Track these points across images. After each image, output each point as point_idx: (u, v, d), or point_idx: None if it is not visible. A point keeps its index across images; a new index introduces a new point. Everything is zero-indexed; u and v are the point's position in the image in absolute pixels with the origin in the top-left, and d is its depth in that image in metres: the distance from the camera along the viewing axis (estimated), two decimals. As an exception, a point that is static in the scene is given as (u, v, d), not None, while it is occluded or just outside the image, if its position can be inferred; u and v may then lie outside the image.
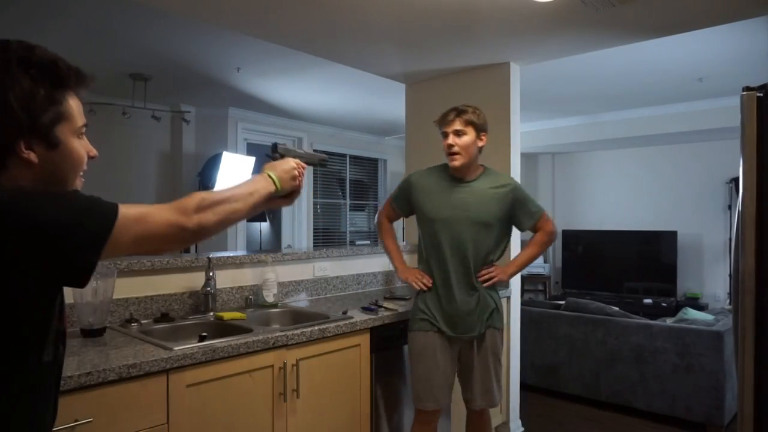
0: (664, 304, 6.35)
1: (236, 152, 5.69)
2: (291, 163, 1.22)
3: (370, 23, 2.61)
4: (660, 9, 2.41)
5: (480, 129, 2.20)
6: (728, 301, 6.18)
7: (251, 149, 6.02)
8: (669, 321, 3.72)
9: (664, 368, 3.47)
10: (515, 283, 3.25)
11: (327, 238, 7.13)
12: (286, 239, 6.75)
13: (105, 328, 1.93)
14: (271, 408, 1.92)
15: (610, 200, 7.35)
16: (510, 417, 3.23)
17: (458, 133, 2.17)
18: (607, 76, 4.63)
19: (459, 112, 2.19)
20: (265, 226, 7.48)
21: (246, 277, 2.59)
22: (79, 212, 0.82)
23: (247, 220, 6.57)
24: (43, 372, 0.89)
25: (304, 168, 1.25)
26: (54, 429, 1.36)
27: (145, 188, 5.54)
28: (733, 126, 4.58)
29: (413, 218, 2.42)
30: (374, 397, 2.34)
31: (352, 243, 7.33)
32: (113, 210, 0.85)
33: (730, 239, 5.96)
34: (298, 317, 2.41)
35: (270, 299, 2.54)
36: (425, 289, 2.25)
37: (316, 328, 2.07)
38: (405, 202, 2.39)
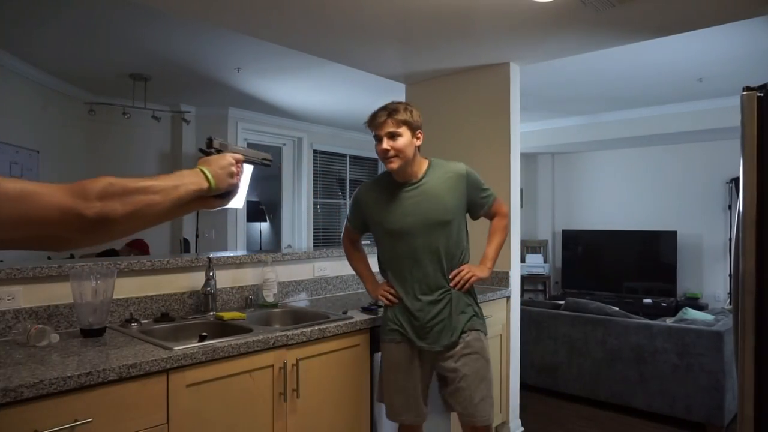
0: (663, 304, 6.35)
1: (236, 152, 5.67)
2: (228, 158, 1.09)
3: (370, 23, 2.61)
4: (660, 9, 2.41)
5: (415, 127, 2.02)
6: (728, 301, 6.18)
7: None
8: (669, 321, 3.71)
9: (663, 368, 3.47)
10: (515, 282, 3.25)
11: (327, 238, 7.13)
12: (286, 239, 6.75)
13: (105, 328, 1.93)
14: (271, 408, 1.92)
15: (610, 200, 7.35)
16: (510, 417, 3.23)
17: (392, 136, 1.98)
18: (607, 76, 4.64)
19: (390, 111, 1.99)
20: (265, 226, 7.49)
21: (246, 277, 2.59)
22: None
23: (247, 220, 6.57)
24: None
25: (242, 166, 1.13)
26: (54, 429, 1.37)
27: (145, 188, 5.54)
28: (733, 126, 4.59)
29: None
30: (374, 396, 2.34)
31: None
32: None
33: (730, 239, 5.97)
34: (298, 317, 2.41)
35: (270, 299, 2.54)
36: (395, 303, 2.11)
37: (316, 328, 2.07)
38: (359, 221, 2.23)
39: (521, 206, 3.75)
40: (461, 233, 2.12)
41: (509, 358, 3.20)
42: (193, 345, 1.74)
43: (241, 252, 2.83)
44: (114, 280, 1.97)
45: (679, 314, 3.94)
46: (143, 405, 1.57)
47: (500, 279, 3.19)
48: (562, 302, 4.15)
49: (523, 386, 3.56)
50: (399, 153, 1.98)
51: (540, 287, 7.62)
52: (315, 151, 6.99)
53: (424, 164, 2.10)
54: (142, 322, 2.14)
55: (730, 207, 6.38)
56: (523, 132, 6.01)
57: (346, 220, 2.34)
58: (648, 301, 6.51)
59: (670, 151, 6.85)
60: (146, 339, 1.84)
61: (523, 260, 7.09)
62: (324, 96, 5.42)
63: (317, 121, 6.64)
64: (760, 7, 2.40)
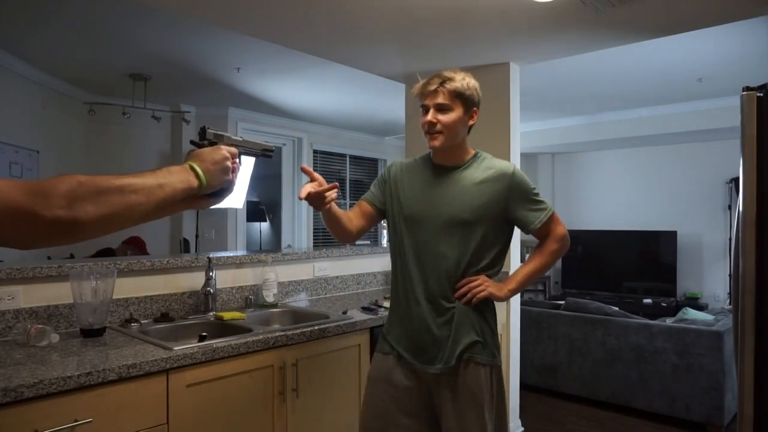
0: (663, 304, 6.35)
1: (236, 152, 5.68)
2: (223, 152, 0.98)
3: (370, 23, 2.61)
4: (660, 9, 2.41)
5: (471, 103, 1.72)
6: (728, 301, 6.18)
7: (251, 149, 6.02)
8: (669, 321, 3.71)
9: (663, 368, 3.47)
10: (515, 283, 3.24)
11: (327, 238, 7.13)
12: (286, 239, 6.75)
13: (105, 328, 1.93)
14: (270, 408, 1.92)
15: (610, 200, 7.35)
16: (510, 417, 3.23)
17: (441, 108, 1.68)
18: (607, 76, 4.64)
19: (444, 80, 1.68)
20: (265, 226, 7.49)
21: (246, 277, 2.59)
22: None
23: (247, 220, 6.57)
24: None
25: (239, 160, 1.02)
26: (54, 429, 1.37)
27: (144, 188, 5.54)
28: (733, 126, 4.59)
29: None
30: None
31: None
32: None
33: (730, 239, 5.97)
34: (298, 317, 2.41)
35: (270, 299, 2.54)
36: (332, 197, 1.65)
37: (315, 327, 2.07)
38: (378, 193, 1.87)
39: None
40: (490, 245, 1.74)
41: (509, 358, 3.20)
42: (193, 345, 1.74)
43: (241, 252, 2.83)
44: (114, 280, 1.96)
45: (679, 314, 3.95)
46: (143, 405, 1.57)
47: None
48: (562, 302, 4.15)
49: (523, 386, 3.56)
50: (445, 129, 1.68)
51: (540, 287, 7.62)
52: (315, 151, 6.99)
53: (469, 153, 1.80)
54: (142, 322, 2.14)
55: (730, 207, 6.38)
56: (523, 132, 6.00)
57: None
58: (648, 301, 6.51)
59: (669, 151, 6.85)
60: (146, 339, 1.84)
61: (523, 260, 7.08)
62: (324, 96, 5.42)
63: (317, 121, 6.64)
64: (760, 7, 2.39)
